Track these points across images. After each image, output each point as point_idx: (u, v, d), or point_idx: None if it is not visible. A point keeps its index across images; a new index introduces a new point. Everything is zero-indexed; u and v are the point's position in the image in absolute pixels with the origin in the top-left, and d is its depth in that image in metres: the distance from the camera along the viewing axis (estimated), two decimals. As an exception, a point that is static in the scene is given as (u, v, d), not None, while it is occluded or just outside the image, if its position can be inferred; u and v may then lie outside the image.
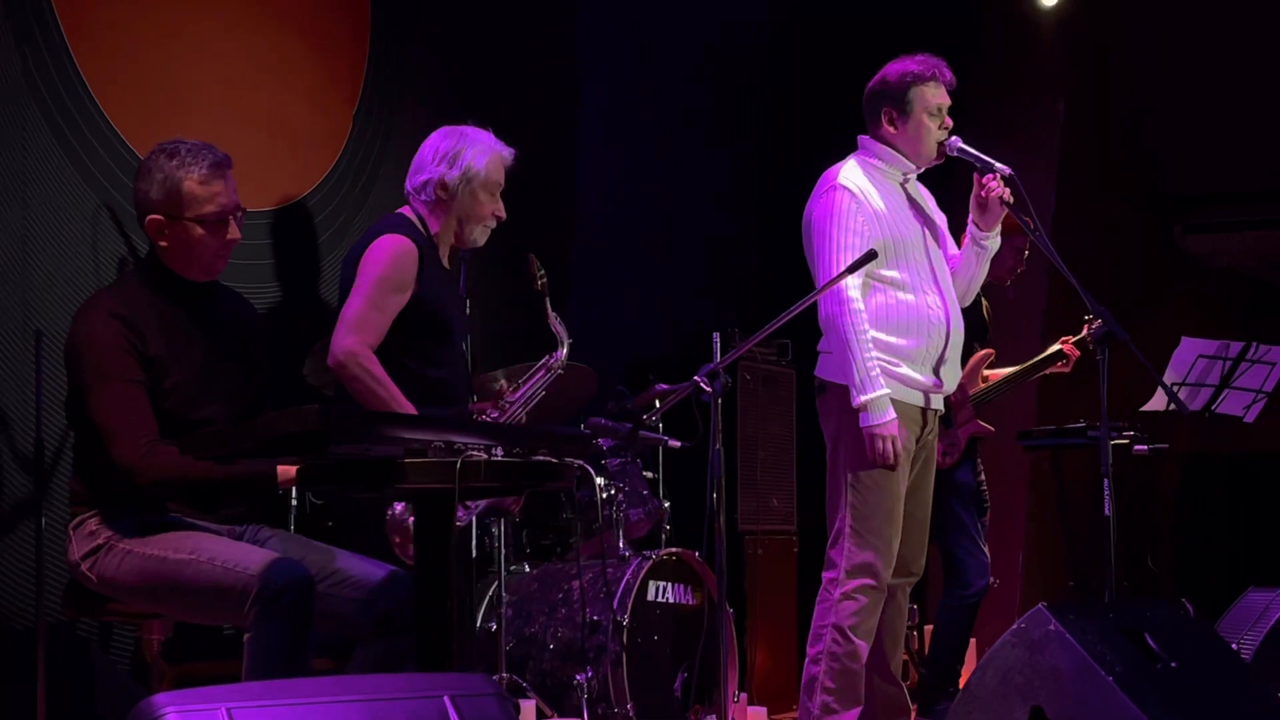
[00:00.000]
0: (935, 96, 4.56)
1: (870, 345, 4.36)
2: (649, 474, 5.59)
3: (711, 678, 4.96)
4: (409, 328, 4.21)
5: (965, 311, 4.68)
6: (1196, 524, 8.76)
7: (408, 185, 4.38)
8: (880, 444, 4.34)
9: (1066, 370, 5.79)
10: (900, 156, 4.58)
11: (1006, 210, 4.59)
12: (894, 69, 4.58)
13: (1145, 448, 6.12)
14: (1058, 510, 8.01)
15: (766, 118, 7.82)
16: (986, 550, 5.66)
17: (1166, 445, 6.33)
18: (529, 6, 6.40)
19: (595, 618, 4.98)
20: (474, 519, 4.88)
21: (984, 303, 5.71)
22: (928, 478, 4.65)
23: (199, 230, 3.71)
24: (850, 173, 4.52)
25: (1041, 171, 7.55)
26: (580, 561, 5.08)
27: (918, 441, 4.54)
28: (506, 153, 4.40)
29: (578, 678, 4.93)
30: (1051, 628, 3.49)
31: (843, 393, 4.41)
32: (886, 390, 4.36)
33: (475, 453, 3.23)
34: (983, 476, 5.76)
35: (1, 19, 4.20)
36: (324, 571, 3.67)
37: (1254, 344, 6.55)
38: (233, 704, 2.39)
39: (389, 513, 4.08)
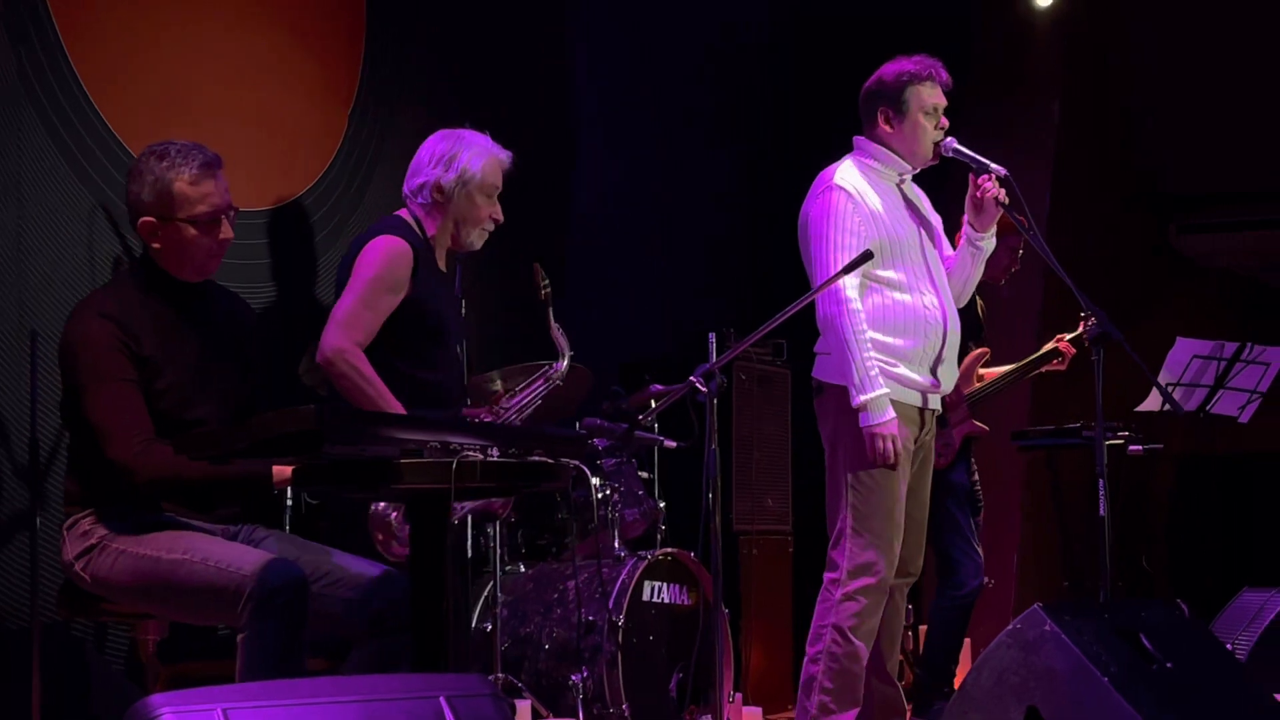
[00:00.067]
0: (931, 96, 4.56)
1: (869, 345, 4.36)
2: (644, 474, 5.59)
3: (707, 678, 4.96)
4: (402, 330, 4.21)
5: (960, 311, 4.68)
6: (1191, 524, 8.76)
7: (405, 188, 4.38)
8: (880, 443, 4.35)
9: (1062, 368, 5.79)
10: (896, 157, 4.58)
11: (1002, 211, 4.59)
12: (890, 69, 4.58)
13: (1140, 448, 6.13)
14: (1053, 510, 8.02)
15: (766, 118, 7.82)
16: (980, 550, 5.67)
17: (1161, 445, 6.34)
18: (527, 6, 6.40)
19: (590, 618, 4.98)
20: (469, 519, 4.88)
21: (979, 301, 5.71)
22: (925, 478, 4.66)
23: (191, 231, 3.71)
24: (846, 173, 4.52)
25: (1036, 172, 7.56)
26: (576, 561, 5.08)
27: (916, 442, 4.55)
28: (504, 156, 4.39)
29: (573, 678, 4.93)
30: (1047, 628, 3.49)
31: (841, 394, 4.41)
32: (886, 390, 4.36)
33: (471, 453, 3.23)
34: (977, 476, 5.76)
35: (-3, 19, 4.21)
36: (318, 571, 3.67)
37: (1249, 344, 6.57)
38: (229, 704, 2.39)
39: (371, 509, 4.08)
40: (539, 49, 6.48)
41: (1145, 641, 3.60)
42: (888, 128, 4.57)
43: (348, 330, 4.12)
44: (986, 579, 5.75)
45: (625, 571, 5.06)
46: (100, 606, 3.75)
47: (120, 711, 2.42)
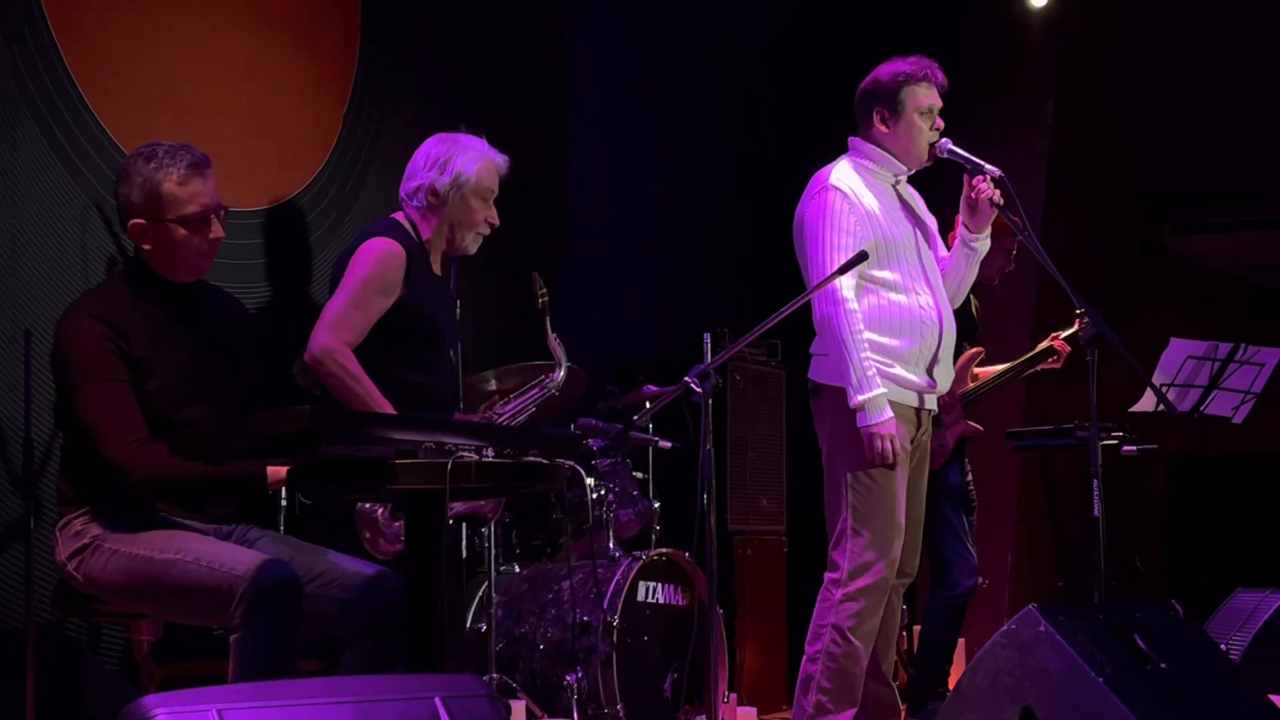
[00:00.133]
0: (927, 97, 4.56)
1: (865, 345, 4.36)
2: (639, 474, 5.59)
3: (701, 678, 4.97)
4: (394, 332, 4.21)
5: (955, 311, 4.69)
6: (1186, 525, 8.77)
7: (401, 191, 4.39)
8: (879, 443, 4.35)
9: (1058, 366, 5.80)
10: (891, 158, 4.59)
11: (996, 212, 4.59)
12: (886, 70, 4.59)
13: (1134, 448, 6.13)
14: (1047, 511, 8.02)
15: (766, 118, 7.82)
16: (974, 551, 5.67)
17: (1155, 446, 6.34)
18: (526, 6, 6.39)
19: (585, 618, 4.98)
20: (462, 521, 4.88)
21: (973, 301, 5.72)
22: (922, 478, 4.66)
23: (181, 231, 3.70)
24: (842, 173, 4.52)
25: (1031, 172, 7.56)
26: (570, 562, 5.08)
27: (912, 442, 4.55)
28: (500, 160, 4.39)
29: (568, 678, 4.93)
30: (1041, 629, 3.49)
31: (837, 394, 4.41)
32: (883, 390, 4.36)
33: (466, 454, 3.23)
34: (970, 476, 5.77)
35: (-9, 19, 4.20)
36: (312, 572, 3.67)
37: (1242, 345, 6.57)
38: (223, 705, 2.39)
39: (358, 506, 4.08)
40: (538, 49, 6.48)
41: (1140, 642, 3.60)
42: (883, 128, 4.57)
43: (337, 330, 4.12)
44: (981, 579, 5.76)
45: (620, 572, 5.06)
46: (94, 607, 3.75)
47: (115, 712, 2.42)
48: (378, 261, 4.19)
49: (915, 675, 5.79)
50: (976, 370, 5.79)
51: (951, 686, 4.89)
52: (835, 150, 4.65)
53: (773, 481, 6.58)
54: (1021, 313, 7.40)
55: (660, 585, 5.24)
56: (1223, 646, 5.15)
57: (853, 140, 4.64)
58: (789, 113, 7.81)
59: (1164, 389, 6.36)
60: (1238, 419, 6.75)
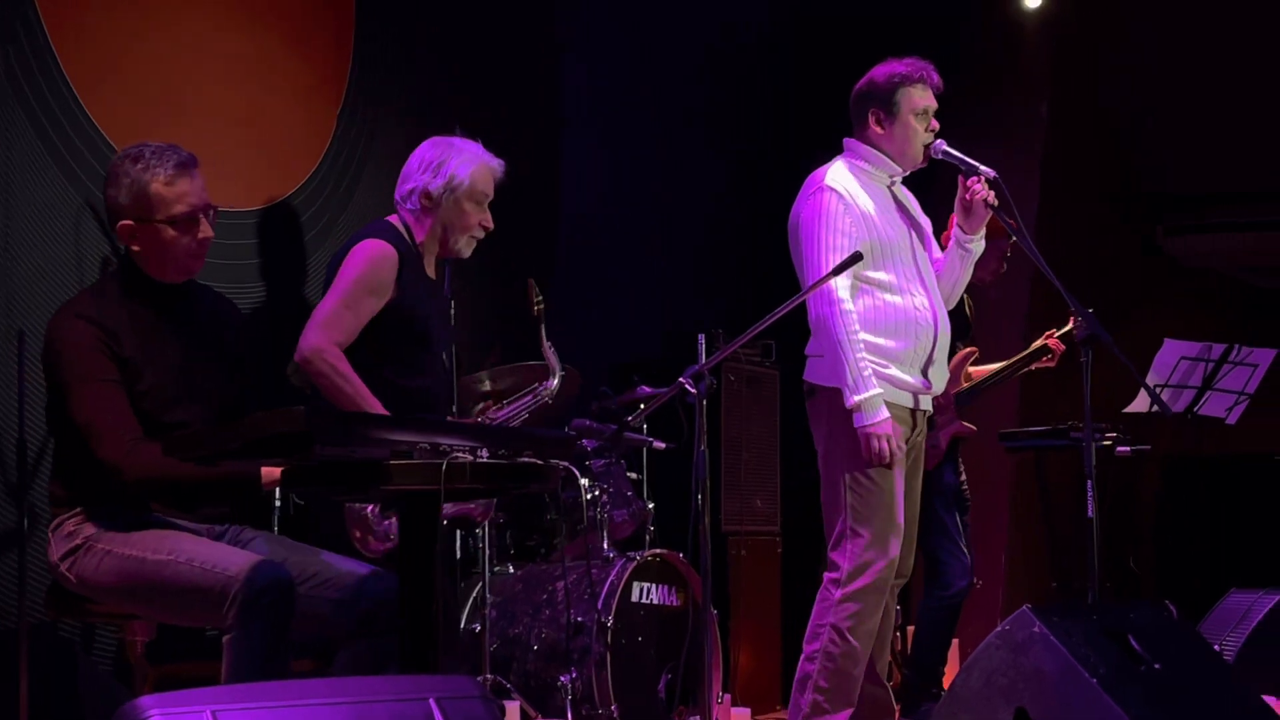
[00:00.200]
0: (922, 99, 4.57)
1: (861, 346, 4.37)
2: (633, 475, 5.59)
3: (695, 678, 4.97)
4: (386, 334, 4.21)
5: (950, 311, 4.69)
6: (1179, 525, 8.77)
7: (396, 194, 4.39)
8: (876, 443, 4.35)
9: (1052, 365, 5.80)
10: (886, 159, 4.59)
11: (991, 213, 4.60)
12: (881, 71, 4.59)
13: (1128, 449, 6.13)
14: (1040, 511, 8.03)
15: (765, 118, 7.82)
16: (968, 551, 5.67)
17: (1149, 447, 6.34)
18: (524, 6, 6.39)
19: (579, 619, 4.98)
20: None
21: (968, 301, 5.72)
22: (917, 479, 4.66)
23: (170, 231, 3.69)
24: (837, 174, 4.53)
25: (1025, 173, 7.56)
26: (565, 563, 5.08)
27: (907, 442, 4.55)
28: (495, 163, 4.39)
29: (562, 679, 4.93)
30: (1035, 629, 3.49)
31: (833, 396, 4.41)
32: (879, 390, 4.37)
33: (460, 454, 3.23)
34: (964, 477, 5.77)
35: (-15, 19, 4.20)
36: (306, 572, 3.67)
37: (1236, 346, 6.58)
38: (218, 706, 2.38)
39: (347, 506, 4.08)
40: (536, 48, 6.47)
41: (1133, 642, 3.60)
42: (879, 129, 4.57)
43: (327, 330, 4.12)
44: (975, 580, 5.76)
45: (614, 572, 5.06)
46: (87, 607, 3.75)
47: (109, 713, 2.42)
48: (369, 263, 4.19)
49: (909, 676, 5.80)
50: (970, 369, 5.79)
51: (946, 687, 4.90)
52: (834, 150, 4.66)
53: (767, 482, 6.58)
54: (1014, 314, 7.40)
55: (654, 586, 5.24)
56: (1216, 647, 5.15)
57: (848, 141, 4.64)
58: (788, 113, 7.81)
59: (1158, 390, 6.37)
60: (1231, 420, 6.75)
